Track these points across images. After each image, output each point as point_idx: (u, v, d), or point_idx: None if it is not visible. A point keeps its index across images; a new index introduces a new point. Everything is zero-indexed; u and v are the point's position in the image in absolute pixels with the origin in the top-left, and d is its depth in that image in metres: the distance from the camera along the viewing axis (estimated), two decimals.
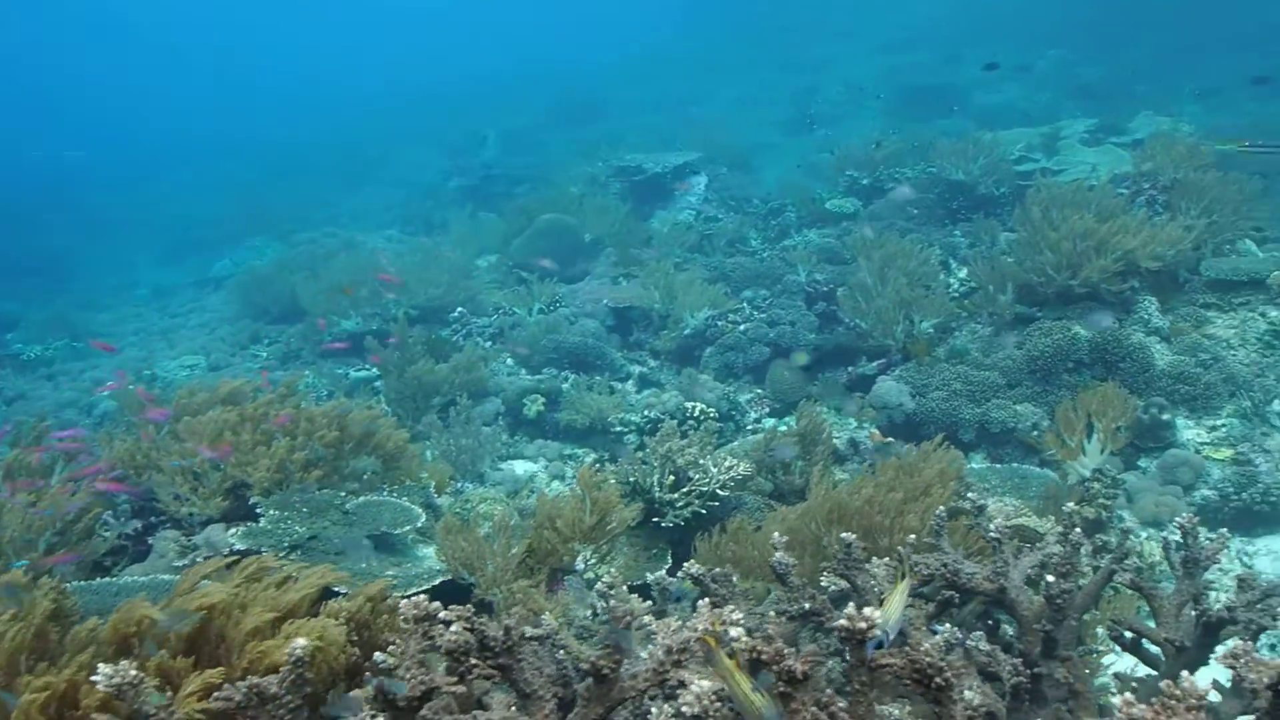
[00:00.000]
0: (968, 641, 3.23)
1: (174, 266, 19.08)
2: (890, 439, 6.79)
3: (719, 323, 8.77)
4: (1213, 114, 15.81)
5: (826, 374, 8.08)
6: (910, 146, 11.75)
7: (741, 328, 8.56)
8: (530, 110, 24.96)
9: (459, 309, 9.95)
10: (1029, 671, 3.10)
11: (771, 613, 3.23)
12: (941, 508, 3.58)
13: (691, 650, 2.10)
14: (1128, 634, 3.46)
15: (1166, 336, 7.35)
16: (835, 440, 6.74)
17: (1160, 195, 8.79)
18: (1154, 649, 3.37)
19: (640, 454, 5.76)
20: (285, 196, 21.28)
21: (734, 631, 1.92)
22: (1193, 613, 3.22)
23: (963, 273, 9.03)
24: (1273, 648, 4.62)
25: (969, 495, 3.71)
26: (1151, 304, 7.51)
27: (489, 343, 9.55)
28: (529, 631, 2.59)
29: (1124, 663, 3.64)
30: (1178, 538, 3.37)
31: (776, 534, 3.24)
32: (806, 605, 3.03)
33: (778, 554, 3.06)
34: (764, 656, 1.87)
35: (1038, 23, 21.99)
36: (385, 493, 5.79)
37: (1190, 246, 7.63)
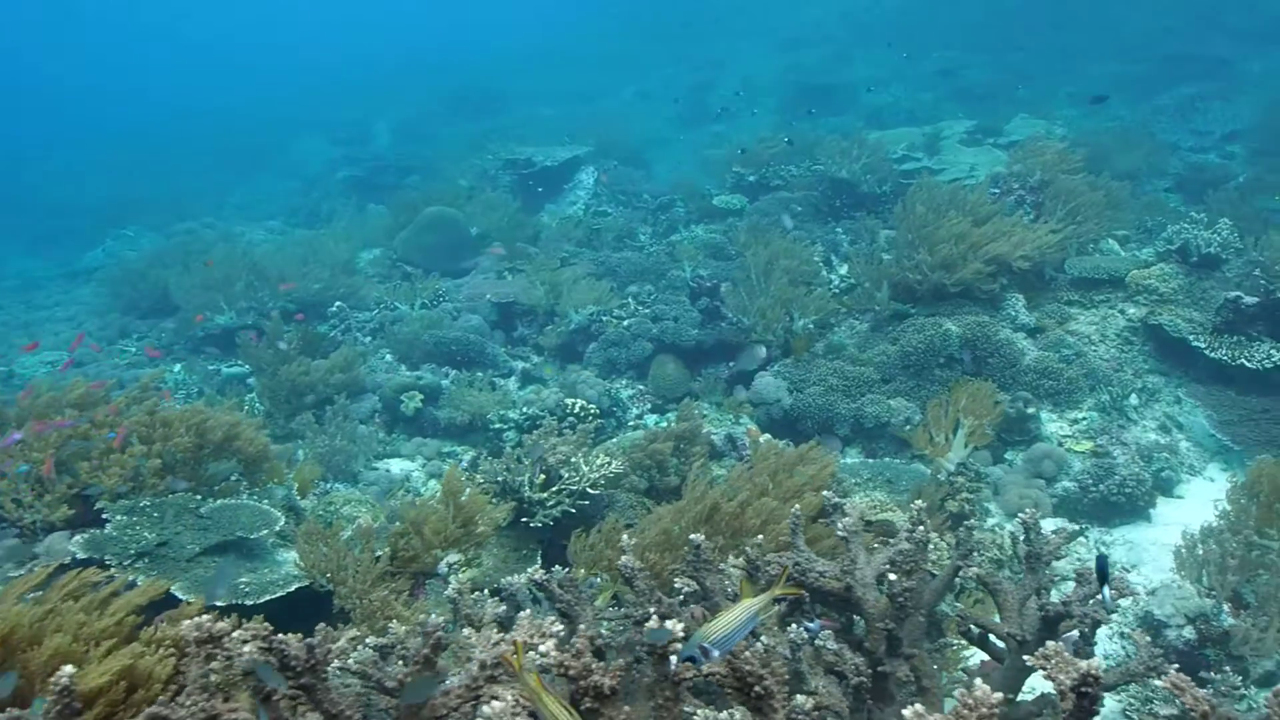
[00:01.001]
0: (816, 640, 3.26)
1: (44, 256, 18.13)
2: (766, 435, 6.84)
3: (603, 318, 8.72)
4: (1087, 118, 16.39)
5: (709, 369, 8.10)
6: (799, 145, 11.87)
7: (625, 323, 8.53)
8: (425, 100, 24.54)
9: (337, 304, 9.67)
10: (875, 670, 3.14)
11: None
12: (797, 506, 3.59)
13: (506, 666, 2.03)
14: (975, 629, 3.53)
15: (1033, 333, 7.58)
16: (713, 436, 6.77)
17: (1029, 196, 9.07)
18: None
19: (512, 452, 5.66)
20: (171, 185, 20.41)
21: (543, 646, 1.86)
22: (1035, 607, 3.29)
23: (844, 269, 9.16)
24: (1122, 635, 4.78)
25: (824, 494, 3.73)
26: (1019, 301, 7.74)
27: (369, 338, 9.32)
28: (374, 641, 2.49)
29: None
30: (1020, 533, 3.45)
31: (625, 536, 3.20)
32: (652, 610, 3.00)
33: (624, 558, 3.01)
34: (570, 672, 1.81)
35: (923, 26, 22.50)
36: (245, 496, 5.58)
37: (1057, 252, 7.88)
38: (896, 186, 10.63)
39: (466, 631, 2.23)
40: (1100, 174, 9.52)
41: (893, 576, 3.03)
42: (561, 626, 2.09)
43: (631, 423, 7.66)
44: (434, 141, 19.28)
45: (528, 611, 2.23)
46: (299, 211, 17.34)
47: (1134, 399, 7.04)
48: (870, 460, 6.81)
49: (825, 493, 3.80)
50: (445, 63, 28.34)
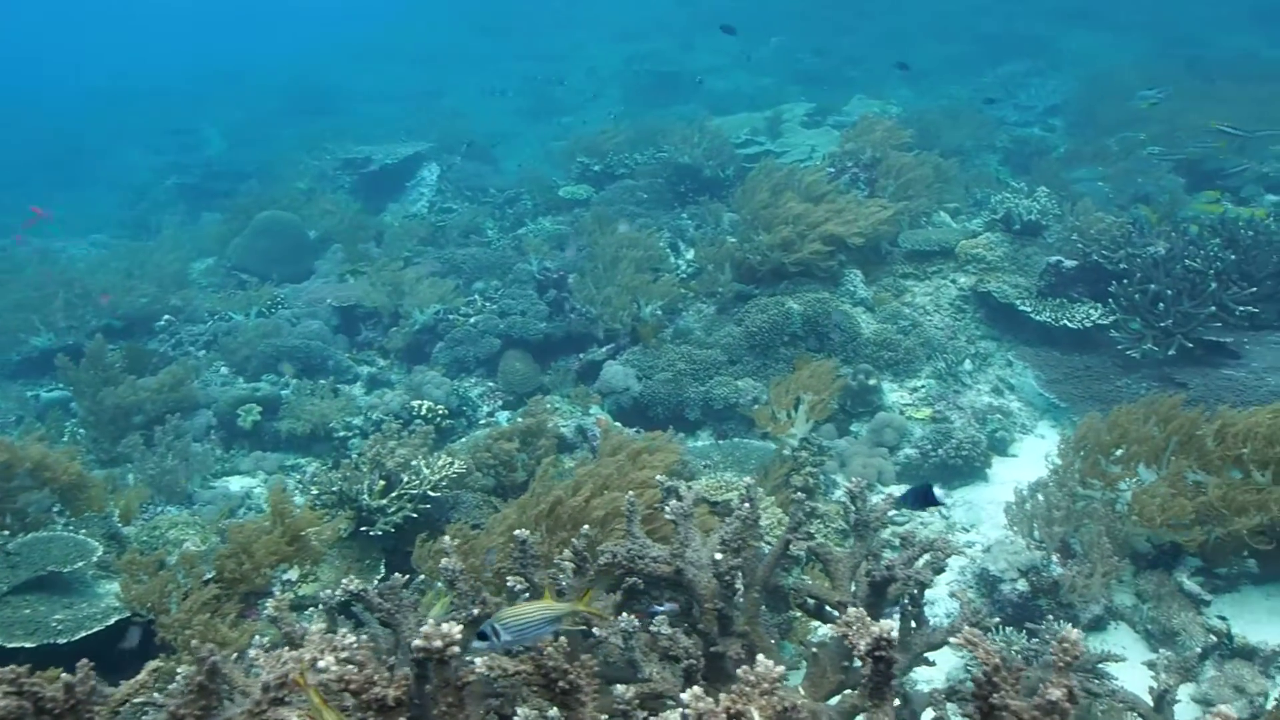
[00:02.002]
0: (651, 626, 3.21)
1: None
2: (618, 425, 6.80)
3: (450, 316, 8.52)
4: (921, 97, 16.99)
5: (559, 362, 8.01)
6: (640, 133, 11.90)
7: (472, 320, 8.35)
8: (259, 102, 23.55)
9: (166, 317, 9.16)
10: (709, 650, 3.11)
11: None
12: (632, 494, 3.53)
13: (294, 685, 1.89)
14: (810, 600, 3.55)
15: (871, 306, 7.76)
16: (563, 429, 6.68)
17: (863, 173, 9.29)
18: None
19: (348, 459, 5.46)
20: None
21: (323, 661, 1.73)
22: (863, 573, 3.33)
23: (690, 254, 9.20)
24: (929, 604, 4.90)
25: (658, 478, 3.69)
26: (857, 276, 7.91)
27: (203, 351, 8.86)
28: (186, 671, 2.31)
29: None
30: (848, 501, 3.48)
31: (447, 538, 3.08)
32: (475, 611, 2.89)
33: (444, 560, 2.90)
34: (352, 686, 1.69)
35: (761, 12, 22.86)
36: (61, 527, 5.21)
37: (885, 224, 8.07)
38: (739, 170, 10.75)
39: (254, 653, 2.07)
40: (930, 149, 9.83)
41: (719, 555, 3.00)
42: (354, 638, 1.96)
43: (483, 421, 7.50)
44: (270, 144, 18.51)
45: (319, 626, 2.09)
46: (127, 223, 16.39)
47: (968, 365, 7.28)
48: (720, 442, 6.84)
49: (659, 477, 3.76)
50: (278, 62, 27.28)
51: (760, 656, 1.59)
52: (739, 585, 3.16)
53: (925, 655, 3.22)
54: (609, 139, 11.88)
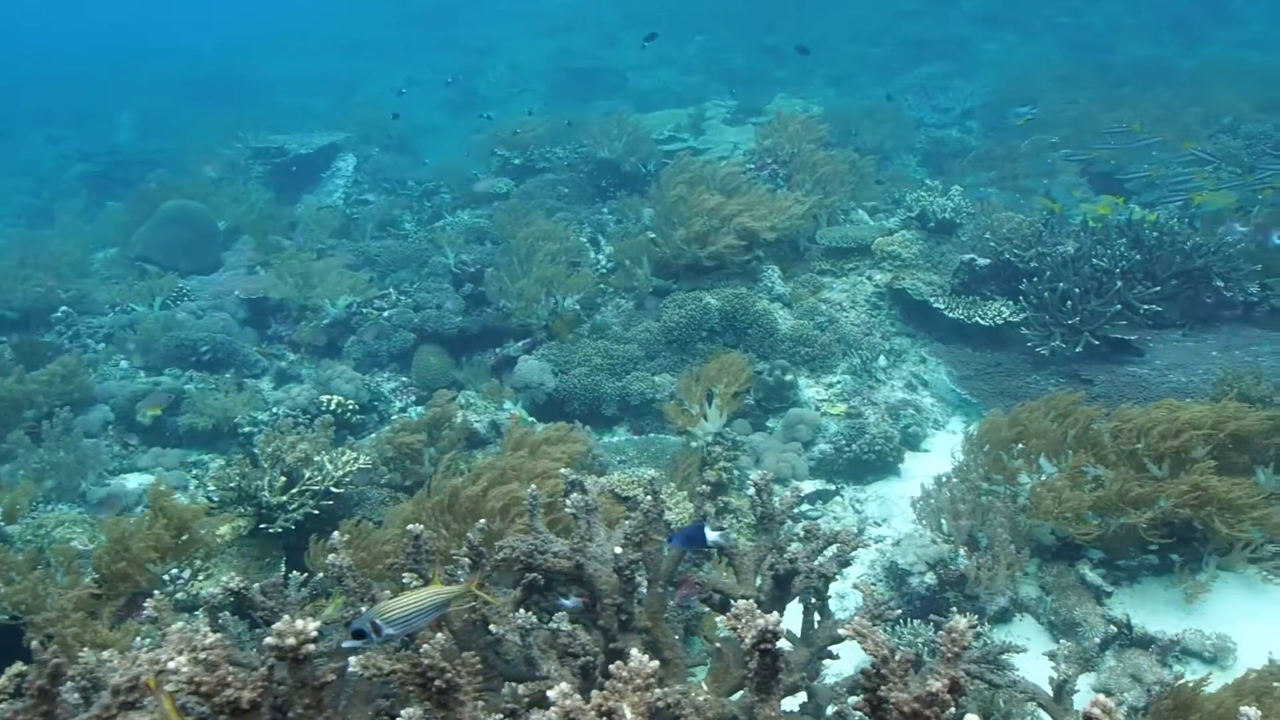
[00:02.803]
0: (551, 623, 3.13)
1: None
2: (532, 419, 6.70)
3: (363, 309, 8.31)
4: (844, 97, 17.15)
5: (476, 357, 7.87)
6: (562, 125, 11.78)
7: (386, 314, 8.16)
8: (172, 89, 22.81)
9: (63, 309, 8.77)
10: (609, 647, 3.04)
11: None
12: (533, 487, 3.44)
13: (144, 688, 1.76)
14: (715, 594, 3.50)
15: (788, 302, 7.78)
16: (477, 424, 6.55)
17: (781, 170, 9.32)
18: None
19: (240, 455, 5.26)
20: None
21: (172, 663, 1.61)
22: (767, 567, 3.28)
23: (610, 249, 9.13)
24: (841, 596, 4.92)
25: (563, 471, 3.60)
26: (774, 272, 7.91)
27: (102, 344, 8.50)
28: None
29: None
30: (755, 495, 3.43)
31: (336, 534, 2.96)
32: (364, 609, 2.77)
33: (330, 556, 2.77)
34: (204, 688, 1.57)
35: (688, 10, 22.92)
36: None
37: (800, 219, 8.09)
38: (660, 165, 10.70)
39: (107, 654, 1.94)
40: (849, 147, 9.90)
41: (618, 550, 2.92)
42: (215, 637, 1.84)
43: (395, 416, 7.32)
44: (181, 132, 17.89)
45: (178, 625, 1.96)
46: (28, 212, 15.73)
47: (883, 360, 7.34)
48: (637, 437, 6.78)
49: (563, 470, 3.68)
50: (194, 47, 26.48)
51: (634, 652, 1.52)
52: (641, 580, 3.09)
53: (830, 649, 3.19)
54: (529, 130, 11.73)
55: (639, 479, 5.16)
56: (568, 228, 8.78)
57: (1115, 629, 4.33)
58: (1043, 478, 4.69)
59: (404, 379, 7.79)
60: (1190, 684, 3.32)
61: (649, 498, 3.15)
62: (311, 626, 1.52)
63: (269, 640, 1.51)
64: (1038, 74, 15.35)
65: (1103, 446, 4.67)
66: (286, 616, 1.58)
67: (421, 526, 2.96)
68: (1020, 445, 4.87)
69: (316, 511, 4.85)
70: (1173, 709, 3.26)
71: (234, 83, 22.74)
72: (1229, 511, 4.30)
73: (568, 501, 3.21)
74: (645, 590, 3.16)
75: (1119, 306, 6.77)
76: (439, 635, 1.87)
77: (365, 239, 10.11)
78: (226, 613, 3.22)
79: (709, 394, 6.02)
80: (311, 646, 1.52)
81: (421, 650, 1.87)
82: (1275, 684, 3.15)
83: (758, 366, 6.94)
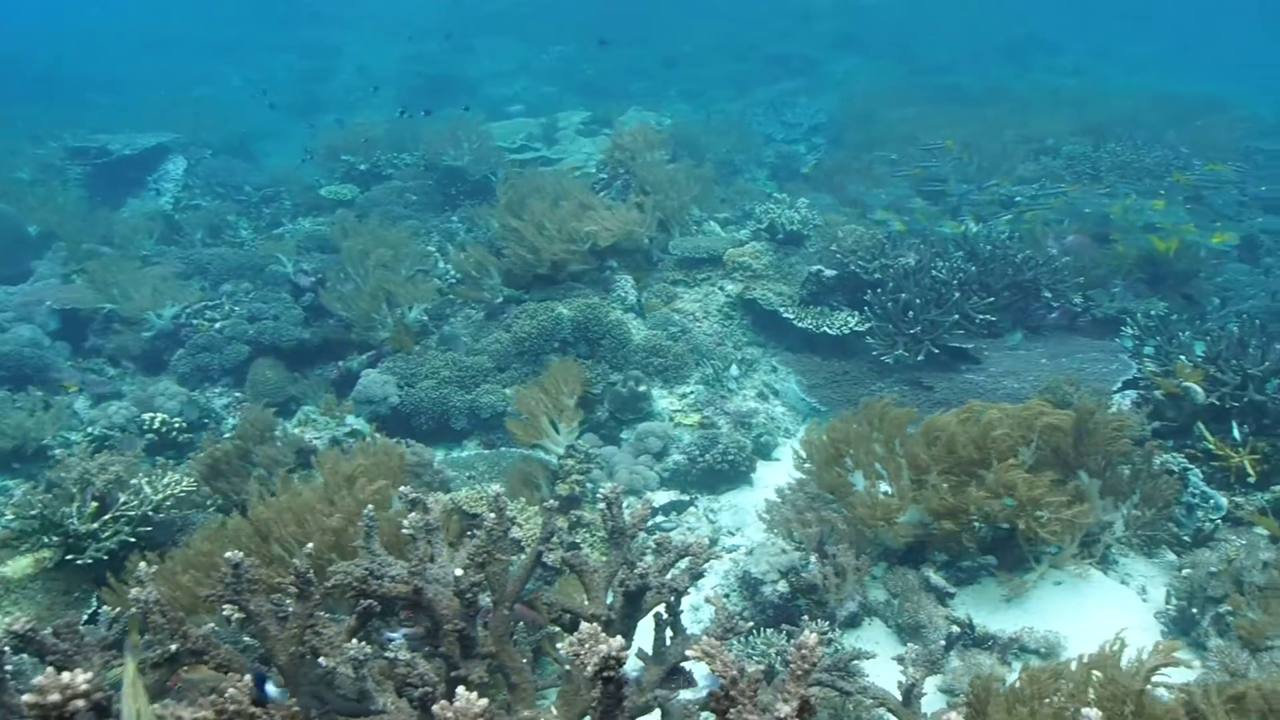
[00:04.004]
0: (387, 652, 2.93)
1: None
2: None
3: (193, 321, 7.82)
4: (697, 111, 17.37)
5: (316, 370, 7.52)
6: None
7: (217, 325, 7.69)
8: None
9: None
10: (451, 675, 2.87)
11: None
12: (371, 508, 3.23)
13: None
14: (565, 614, 3.37)
15: (641, 313, 7.73)
16: (316, 441, 6.22)
17: (633, 180, 9.30)
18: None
19: (51, 478, 4.83)
20: None
21: None
22: (618, 583, 3.18)
23: (462, 254, 8.90)
24: (695, 608, 4.88)
25: (402, 489, 3.41)
26: (628, 282, 7.87)
27: None
28: None
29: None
30: (605, 509, 3.32)
31: (142, 564, 2.69)
32: (174, 647, 2.52)
33: (134, 590, 2.51)
34: None
35: (544, 20, 22.85)
36: None
37: (640, 227, 8.06)
38: (509, 174, 10.55)
39: None
40: (696, 160, 9.99)
41: (459, 572, 2.76)
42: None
43: (227, 435, 6.89)
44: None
45: None
46: None
47: (735, 370, 7.37)
48: (487, 451, 6.59)
49: (403, 488, 3.48)
50: (11, 41, 24.69)
51: (460, 690, 1.38)
52: (484, 603, 2.93)
53: (683, 665, 3.10)
54: (365, 132, 11.37)
55: (486, 495, 4.97)
56: (414, 236, 8.52)
57: (958, 629, 4.42)
58: (860, 487, 4.77)
59: (238, 394, 7.36)
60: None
61: (493, 515, 3.00)
62: (81, 679, 1.31)
63: (28, 698, 1.30)
64: (874, 95, 15.96)
65: (916, 454, 4.77)
66: (51, 670, 1.36)
67: (241, 554, 2.72)
68: (847, 456, 4.94)
69: (134, 539, 4.47)
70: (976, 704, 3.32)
71: (52, 79, 21.27)
72: (1035, 508, 4.47)
73: (405, 521, 3.02)
74: (490, 613, 3.01)
75: (957, 316, 7.01)
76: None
77: (196, 246, 9.55)
78: (25, 655, 2.89)
79: (557, 406, 5.89)
80: (81, 703, 1.31)
81: (227, 694, 1.67)
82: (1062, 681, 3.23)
83: (611, 378, 6.85)
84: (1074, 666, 3.15)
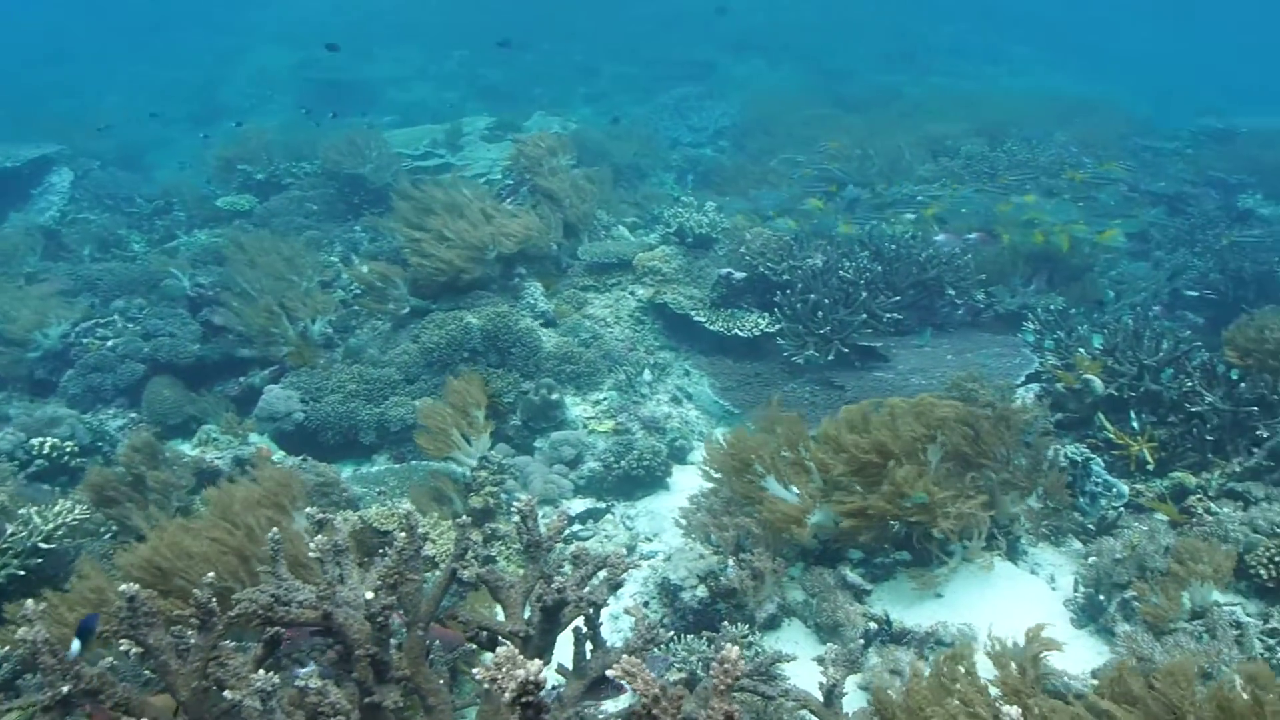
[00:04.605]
0: (298, 682, 2.81)
1: None
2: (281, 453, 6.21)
3: (83, 340, 7.48)
4: (601, 116, 17.34)
5: (216, 387, 7.26)
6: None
7: (110, 344, 7.37)
8: None
9: None
10: (365, 701, 2.77)
11: None
12: (275, 530, 3.11)
13: None
14: (482, 632, 3.29)
15: (552, 320, 7.66)
16: (218, 461, 6.00)
17: (538, 186, 9.22)
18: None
19: None
20: None
21: None
22: (535, 598, 3.11)
23: (365, 268, 8.69)
24: (615, 618, 4.84)
25: (307, 510, 3.29)
26: (537, 289, 7.79)
27: None
28: None
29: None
30: (520, 522, 3.25)
31: (30, 602, 2.53)
32: (65, 689, 2.38)
33: (20, 630, 2.36)
34: None
35: (446, 25, 22.57)
36: None
37: (547, 234, 8.00)
38: (415, 182, 10.37)
39: None
40: (602, 164, 9.96)
41: (369, 595, 2.66)
42: None
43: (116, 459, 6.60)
44: None
45: None
46: None
47: (648, 375, 7.35)
48: (398, 466, 6.44)
49: (309, 509, 3.36)
50: None
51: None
52: (397, 625, 2.84)
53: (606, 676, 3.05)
54: (261, 137, 11.06)
55: (397, 512, 4.84)
56: (315, 247, 8.30)
57: (876, 626, 4.47)
58: (773, 491, 4.80)
59: (134, 415, 7.06)
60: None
61: (403, 535, 2.91)
62: None
63: None
64: (773, 99, 16.17)
65: (822, 458, 4.83)
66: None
67: (136, 586, 2.58)
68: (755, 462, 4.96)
69: (22, 572, 4.23)
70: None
71: None
72: (941, 508, 4.57)
73: (312, 544, 2.91)
74: (404, 635, 2.92)
75: (865, 316, 7.11)
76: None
77: (85, 261, 9.15)
78: None
79: (467, 418, 5.78)
80: None
81: None
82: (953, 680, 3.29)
83: (523, 386, 6.77)
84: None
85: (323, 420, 6.51)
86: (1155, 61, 25.66)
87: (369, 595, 2.69)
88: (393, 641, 2.85)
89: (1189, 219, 10.09)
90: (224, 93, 19.63)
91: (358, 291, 8.17)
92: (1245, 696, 2.74)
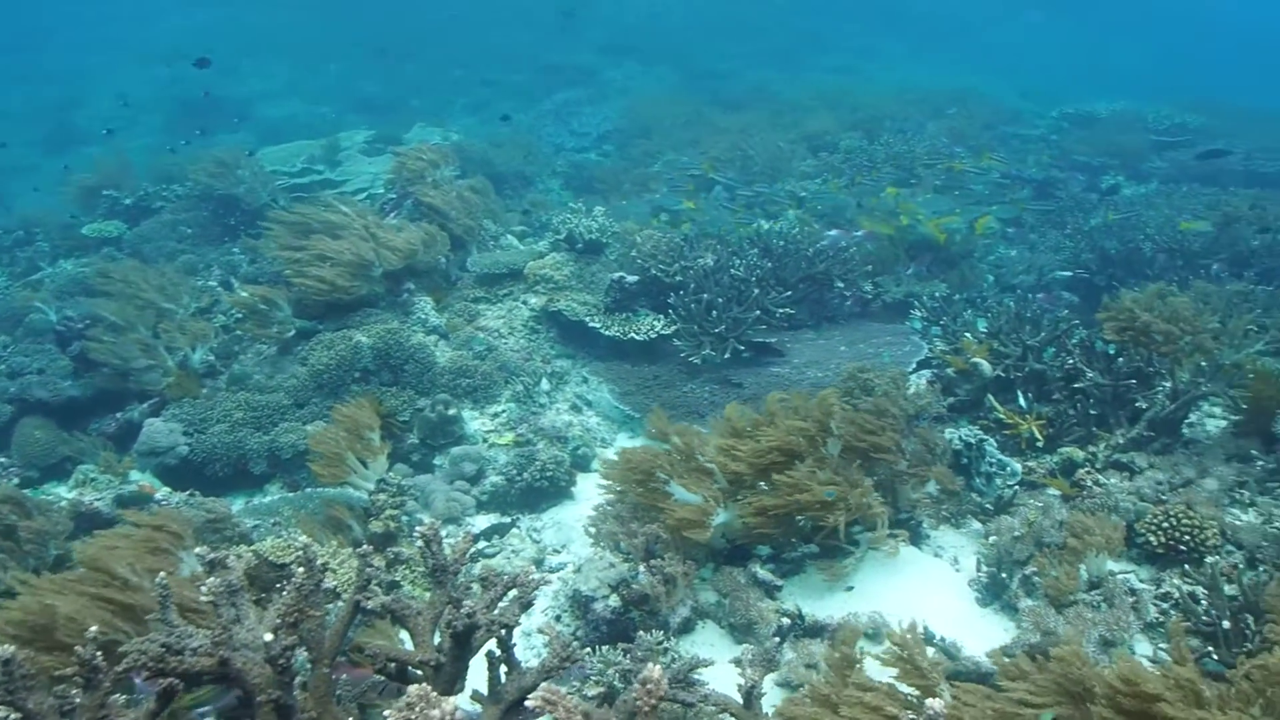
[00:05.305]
0: None
1: None
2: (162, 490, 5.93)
3: None
4: (484, 125, 17.16)
5: (92, 425, 6.89)
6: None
7: None
8: None
9: None
10: None
11: None
12: (163, 575, 2.93)
13: None
14: (390, 664, 3.18)
15: (445, 334, 7.52)
16: (97, 504, 5.68)
17: (423, 199, 9.05)
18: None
19: None
20: None
21: None
22: (444, 624, 3.02)
23: (244, 293, 8.38)
24: (528, 635, 4.77)
25: (197, 550, 3.12)
26: (427, 304, 7.63)
27: None
28: None
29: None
30: (423, 546, 3.15)
31: None
32: None
33: None
34: None
35: (317, 38, 22.03)
36: None
37: (432, 247, 7.86)
38: (289, 201, 10.06)
39: None
40: (486, 174, 9.84)
41: (269, 636, 2.53)
42: None
43: None
44: None
45: None
46: None
47: (546, 385, 7.27)
48: (293, 494, 6.20)
49: (199, 549, 3.19)
50: None
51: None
52: (300, 665, 2.72)
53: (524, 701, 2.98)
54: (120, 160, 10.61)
55: (294, 545, 4.66)
56: (190, 272, 7.96)
57: (789, 621, 4.50)
58: (677, 496, 4.79)
59: (3, 459, 6.64)
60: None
61: (302, 570, 2.78)
62: None
63: None
64: (655, 103, 16.29)
65: (723, 461, 4.86)
66: None
67: (12, 648, 2.39)
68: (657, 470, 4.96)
69: None
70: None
71: None
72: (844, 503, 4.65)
73: (203, 587, 2.76)
74: (308, 674, 2.79)
75: (758, 312, 7.18)
76: None
77: None
78: None
79: (361, 440, 5.62)
80: None
81: None
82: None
83: (419, 403, 6.62)
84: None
85: (209, 452, 6.23)
86: (1023, 51, 26.76)
87: (268, 636, 2.56)
88: (297, 681, 2.72)
89: (1058, 201, 10.53)
90: (81, 114, 18.71)
91: (239, 316, 7.86)
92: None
